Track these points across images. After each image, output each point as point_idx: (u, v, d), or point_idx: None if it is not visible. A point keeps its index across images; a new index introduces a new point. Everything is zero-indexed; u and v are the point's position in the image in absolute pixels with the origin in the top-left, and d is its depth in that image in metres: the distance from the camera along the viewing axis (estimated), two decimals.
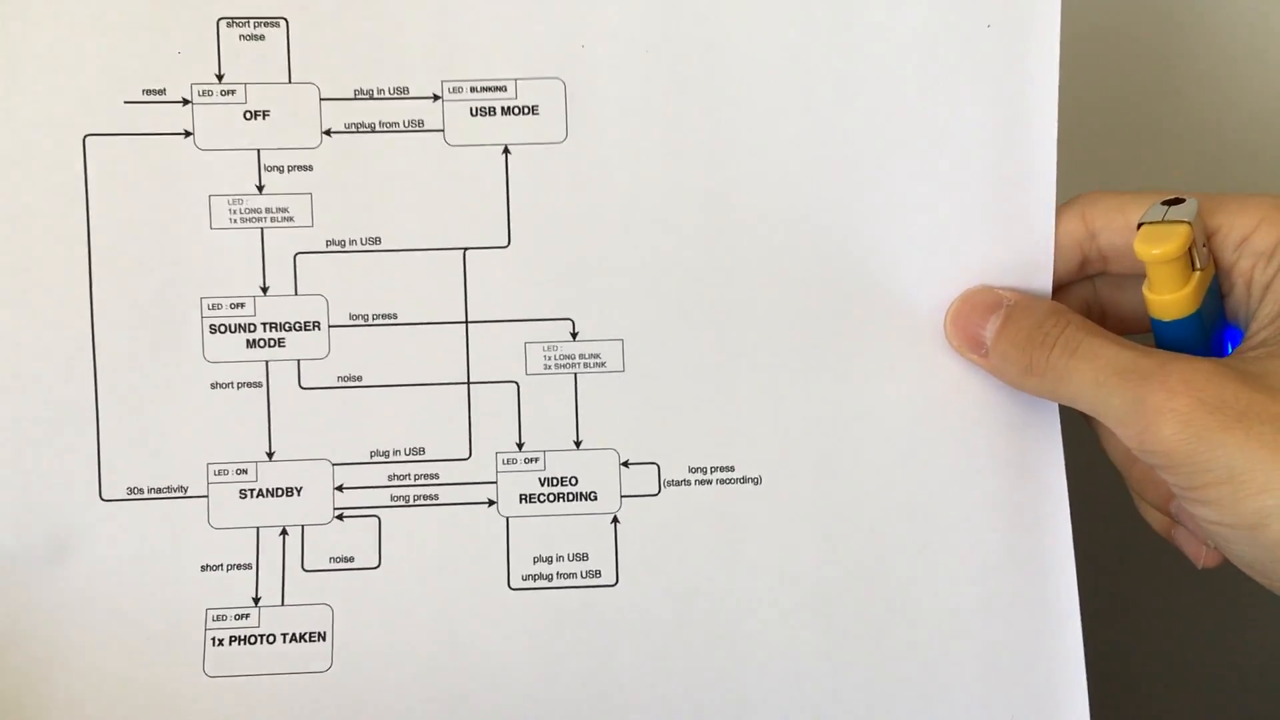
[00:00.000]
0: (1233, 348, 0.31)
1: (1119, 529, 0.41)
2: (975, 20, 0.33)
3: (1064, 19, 0.33)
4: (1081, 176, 0.35)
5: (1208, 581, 0.40)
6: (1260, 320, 0.30)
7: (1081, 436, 0.34)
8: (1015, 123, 0.33)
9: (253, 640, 0.33)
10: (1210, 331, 0.32)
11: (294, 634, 0.33)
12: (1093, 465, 0.35)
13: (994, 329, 0.32)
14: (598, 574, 0.33)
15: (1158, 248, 0.30)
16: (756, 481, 0.34)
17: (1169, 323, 0.31)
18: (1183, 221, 0.30)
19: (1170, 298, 0.30)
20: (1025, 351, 0.31)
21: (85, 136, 0.33)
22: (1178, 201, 0.31)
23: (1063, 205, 0.33)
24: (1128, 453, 0.33)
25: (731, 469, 0.34)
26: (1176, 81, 0.47)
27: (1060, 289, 0.34)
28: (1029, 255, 0.34)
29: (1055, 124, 0.33)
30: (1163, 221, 0.30)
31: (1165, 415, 0.27)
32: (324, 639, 0.33)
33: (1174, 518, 0.33)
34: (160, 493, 0.33)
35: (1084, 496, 0.34)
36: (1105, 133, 0.46)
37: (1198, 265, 0.30)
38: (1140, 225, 0.31)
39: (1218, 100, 0.47)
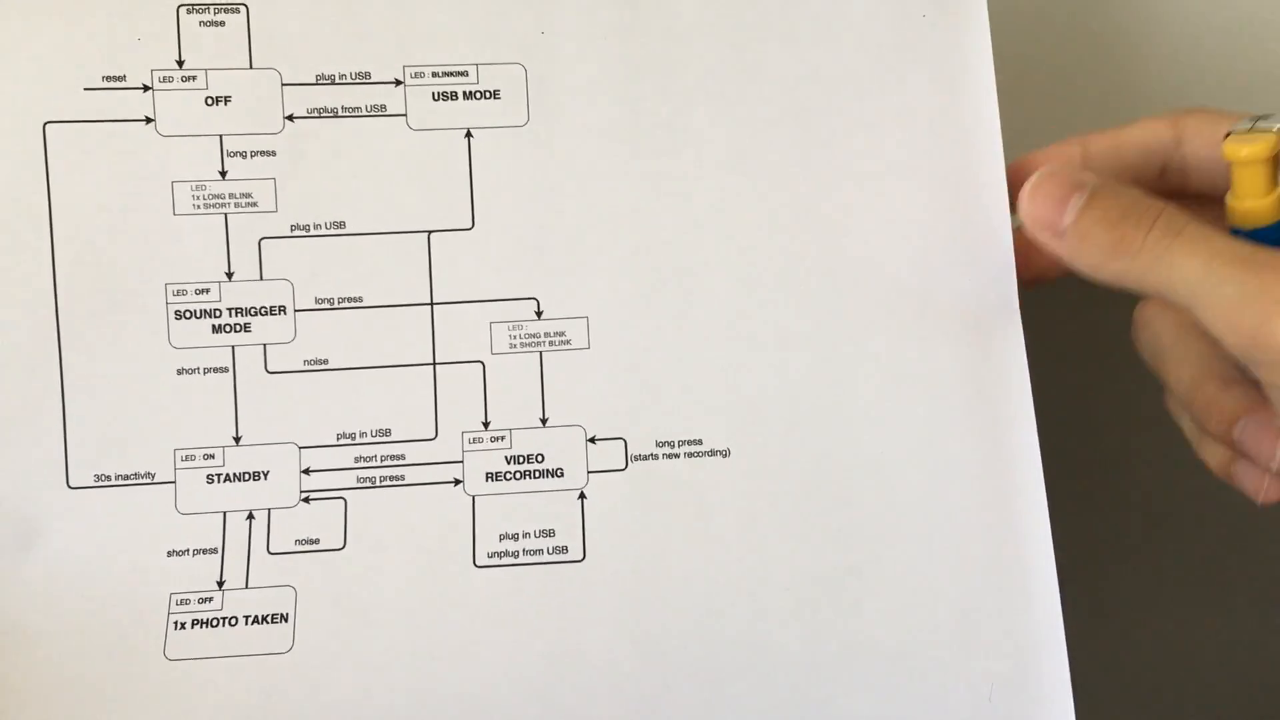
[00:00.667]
0: None
1: (1098, 506, 0.41)
2: (912, 11, 0.35)
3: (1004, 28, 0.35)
4: (1027, 144, 0.36)
5: (1184, 565, 0.41)
6: None
7: (1058, 407, 0.34)
8: (958, 102, 0.35)
9: (214, 623, 0.33)
10: None
11: (256, 616, 0.33)
12: (1070, 438, 0.35)
13: (1078, 204, 0.29)
14: (565, 550, 0.33)
15: (1245, 148, 0.30)
16: (724, 454, 0.34)
17: (1250, 231, 0.30)
18: (1272, 130, 0.30)
19: (1255, 204, 0.30)
20: (1116, 229, 0.28)
21: (45, 124, 0.33)
22: (1266, 117, 0.31)
23: (1157, 115, 0.32)
24: (1194, 377, 0.32)
25: (699, 442, 0.34)
26: (1115, 53, 0.48)
27: None
28: (987, 221, 0.34)
29: (994, 96, 0.34)
30: (1251, 130, 0.30)
31: None
32: (286, 620, 0.33)
33: (1238, 446, 0.32)
34: (127, 479, 0.33)
35: (1062, 468, 0.34)
36: (1050, 110, 0.47)
37: None
38: (1228, 135, 0.31)
39: (1156, 69, 0.48)
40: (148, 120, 0.33)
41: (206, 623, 0.33)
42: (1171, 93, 0.48)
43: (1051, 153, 0.34)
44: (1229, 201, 0.31)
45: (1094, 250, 0.29)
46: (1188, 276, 0.27)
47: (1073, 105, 0.48)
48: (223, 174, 0.34)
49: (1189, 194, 0.33)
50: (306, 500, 0.33)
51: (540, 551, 0.33)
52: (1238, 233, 0.31)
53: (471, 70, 0.34)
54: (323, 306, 0.34)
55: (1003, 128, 0.35)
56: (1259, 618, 0.39)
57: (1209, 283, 0.27)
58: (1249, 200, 0.30)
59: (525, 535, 0.33)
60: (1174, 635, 0.39)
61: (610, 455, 0.34)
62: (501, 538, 0.33)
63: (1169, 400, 0.34)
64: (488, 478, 0.33)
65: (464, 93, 0.34)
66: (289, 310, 0.34)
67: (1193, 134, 0.32)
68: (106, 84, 0.33)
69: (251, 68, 0.34)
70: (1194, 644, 0.39)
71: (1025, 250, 0.34)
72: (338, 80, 0.34)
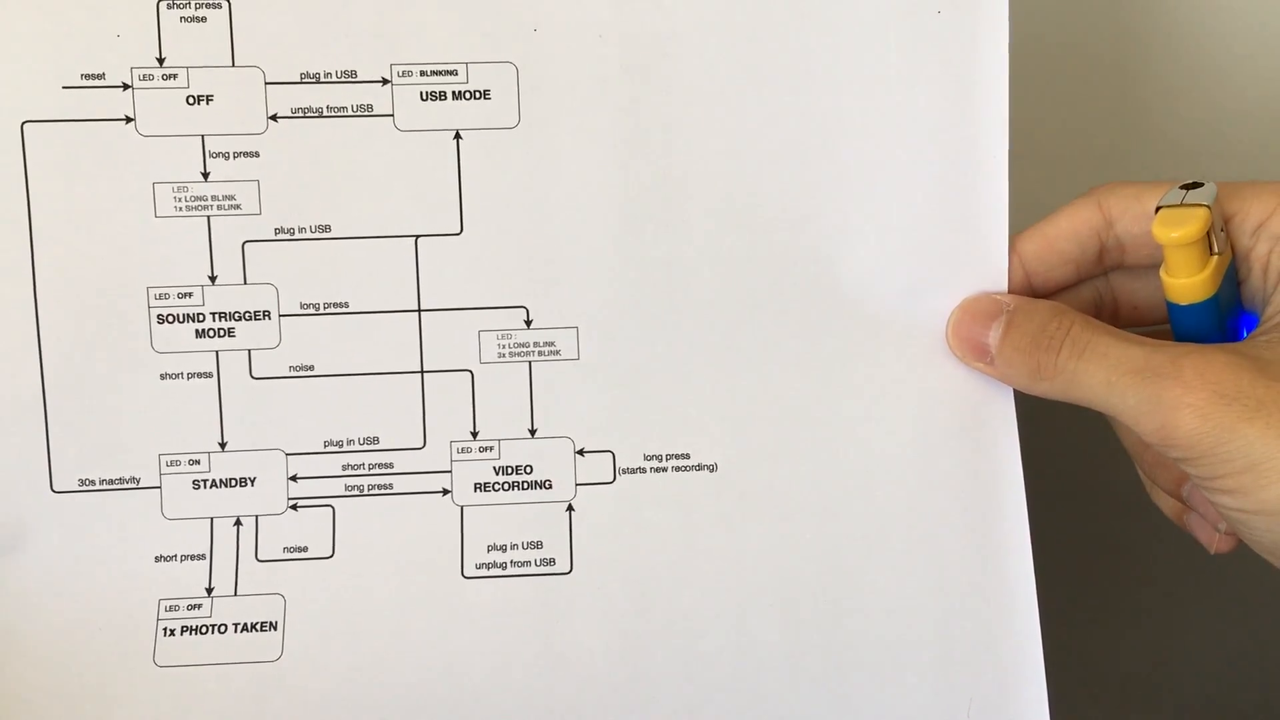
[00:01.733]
0: (1248, 333, 0.31)
1: (1081, 521, 0.41)
2: (926, 6, 0.33)
3: (1018, 8, 0.33)
4: (1036, 162, 0.35)
5: (1166, 572, 0.41)
6: (1275, 304, 0.30)
7: (1040, 429, 0.35)
8: (967, 107, 0.33)
9: (204, 630, 0.33)
10: (1226, 317, 0.32)
11: (245, 624, 0.33)
12: (1052, 456, 0.36)
13: (997, 336, 0.32)
14: (552, 562, 0.33)
15: (1176, 230, 0.30)
16: (712, 469, 0.34)
17: (1186, 307, 0.31)
18: (1201, 205, 0.30)
19: (1188, 281, 0.30)
20: (1031, 356, 0.31)
21: (23, 123, 0.32)
22: (1195, 186, 0.31)
23: (1079, 197, 0.33)
24: (1139, 443, 0.34)
25: (687, 456, 0.34)
26: (1133, 71, 0.47)
27: (1076, 284, 0.34)
28: (984, 239, 0.34)
29: (1006, 106, 0.33)
30: (1181, 205, 0.30)
31: (1183, 410, 0.28)
32: (275, 628, 0.33)
33: (1186, 503, 0.34)
34: (112, 484, 0.33)
35: (1044, 487, 0.35)
36: (1061, 123, 0.47)
37: (1215, 250, 0.30)
38: (1158, 209, 0.31)
39: (1174, 89, 0.47)
40: (128, 120, 0.32)
41: (196, 629, 0.33)
42: (1185, 94, 0.47)
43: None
44: (1164, 278, 0.31)
45: (1019, 376, 0.32)
46: (1094, 392, 0.30)
47: (1082, 110, 0.47)
48: (205, 175, 0.33)
49: (1130, 267, 0.34)
50: (294, 507, 0.33)
51: (528, 563, 0.33)
52: (1174, 309, 0.31)
53: (461, 69, 0.33)
54: (308, 312, 0.33)
55: (1011, 131, 0.34)
56: (1242, 628, 0.40)
57: (1113, 396, 0.29)
58: (1183, 278, 0.31)
59: (513, 546, 0.33)
60: (1154, 647, 0.40)
61: (598, 468, 0.34)
62: (489, 549, 0.33)
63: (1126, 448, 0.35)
64: (476, 488, 0.34)
65: (453, 92, 0.33)
66: (273, 315, 0.33)
67: (1119, 213, 0.33)
68: (85, 82, 0.32)
69: (234, 65, 0.33)
70: (1174, 655, 0.39)
71: None
72: (323, 79, 0.33)
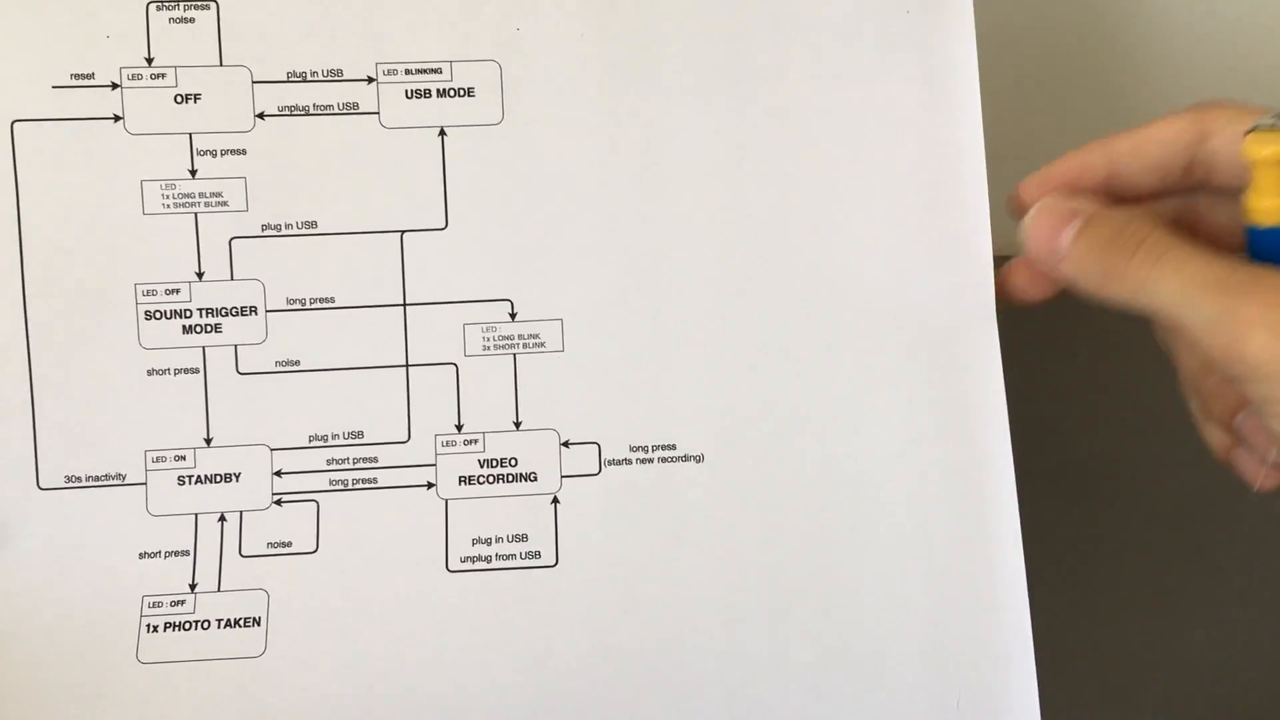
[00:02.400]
0: None
1: (1072, 515, 0.41)
2: (896, 6, 0.34)
3: (994, 30, 0.34)
4: (1016, 156, 0.36)
5: (1159, 567, 0.41)
6: None
7: (1030, 422, 0.34)
8: (941, 99, 0.34)
9: (187, 626, 0.33)
10: None
11: (228, 620, 0.33)
12: (1043, 449, 0.35)
13: (1072, 234, 0.31)
14: (537, 555, 0.33)
15: (1268, 148, 0.29)
16: (699, 459, 0.34)
17: (1267, 230, 0.30)
18: None
19: (1273, 202, 0.30)
20: (1106, 256, 0.30)
21: (13, 122, 0.33)
22: None
23: (1181, 110, 0.33)
24: (1200, 367, 0.33)
25: (673, 447, 0.34)
26: (1101, 54, 0.47)
27: (1160, 196, 0.33)
28: (966, 227, 0.34)
29: (978, 98, 0.34)
30: (1272, 128, 0.30)
31: (1255, 328, 0.27)
32: (258, 624, 0.33)
33: (1238, 434, 0.33)
34: (98, 481, 0.33)
35: (1034, 479, 0.34)
36: (1034, 109, 0.47)
37: None
38: (1249, 131, 0.30)
39: (1142, 74, 0.47)
40: (116, 118, 0.33)
41: (179, 626, 0.33)
42: (1163, 97, 0.47)
43: (1071, 160, 0.34)
44: (1248, 199, 0.30)
45: (1088, 276, 0.31)
46: (1167, 301, 0.29)
47: (1060, 106, 0.47)
48: (192, 173, 0.33)
49: (1214, 189, 0.33)
50: (279, 503, 0.33)
51: (513, 556, 0.33)
52: (1256, 233, 0.31)
53: (445, 67, 0.34)
54: (294, 307, 0.33)
55: (988, 129, 0.34)
56: (1235, 624, 0.39)
57: (1186, 306, 0.28)
58: (1268, 199, 0.30)
59: (498, 540, 0.33)
60: (1145, 642, 0.39)
61: (584, 460, 0.33)
62: (474, 542, 0.33)
63: (1180, 382, 0.35)
64: (461, 481, 0.33)
65: (438, 90, 0.34)
66: (260, 311, 0.33)
67: (1216, 130, 0.32)
68: (75, 82, 0.33)
69: (221, 65, 0.33)
70: (1165, 650, 0.39)
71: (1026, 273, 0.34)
72: (309, 78, 0.33)
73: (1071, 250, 0.31)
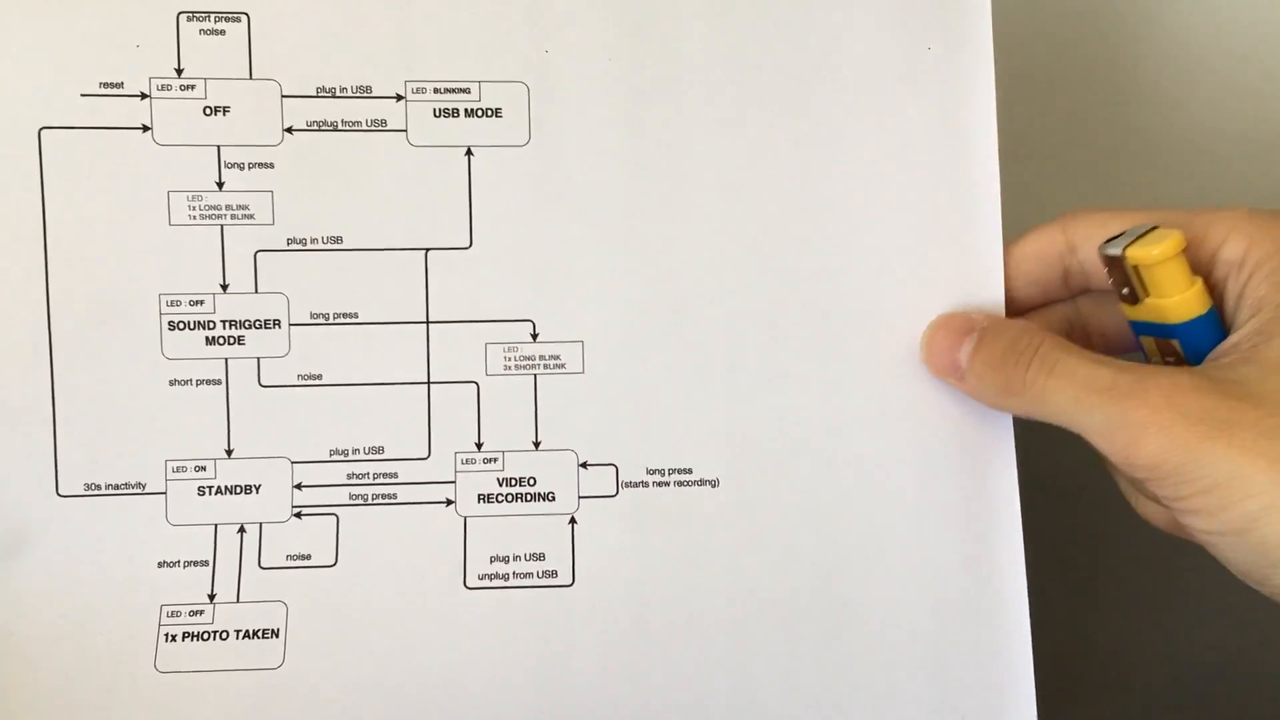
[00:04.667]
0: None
1: (1072, 537, 0.42)
2: (917, 44, 0.35)
3: (1007, 38, 0.34)
4: (1029, 191, 0.36)
5: (1157, 586, 0.42)
6: (1238, 329, 0.31)
7: (1035, 447, 0.35)
8: (959, 135, 0.35)
9: (205, 636, 0.33)
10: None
11: (247, 631, 0.33)
12: (1046, 475, 0.36)
13: (969, 351, 0.33)
14: (554, 574, 0.34)
15: (1156, 247, 0.30)
16: (714, 484, 0.34)
17: (1186, 325, 0.31)
18: (1157, 229, 0.31)
19: (1180, 298, 0.31)
20: (1001, 371, 0.32)
21: (41, 129, 0.33)
22: (1139, 231, 0.31)
23: (1046, 223, 0.34)
24: None
25: (689, 471, 0.34)
26: (1120, 97, 0.48)
27: (1043, 307, 0.35)
28: (980, 260, 0.34)
29: (995, 134, 0.35)
30: (1140, 238, 0.31)
31: (1149, 430, 0.28)
32: (277, 636, 0.33)
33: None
34: (118, 489, 0.33)
35: (1037, 505, 0.35)
36: (1049, 151, 0.47)
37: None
38: (1110, 241, 0.31)
39: (1160, 114, 0.48)
40: (145, 128, 0.33)
41: (197, 636, 0.33)
42: (1172, 113, 0.48)
43: None
44: (1156, 303, 0.31)
45: (989, 391, 0.32)
46: (1062, 409, 0.30)
47: (1071, 133, 0.48)
48: (219, 185, 0.33)
49: (1095, 290, 0.35)
50: (298, 515, 0.34)
51: (530, 575, 0.34)
52: (1181, 329, 0.31)
53: (474, 88, 0.34)
54: (318, 321, 0.34)
55: (1002, 156, 0.35)
56: (1238, 636, 0.40)
57: (1079, 413, 0.30)
58: (1174, 295, 0.31)
59: (516, 558, 0.34)
60: (1146, 659, 0.40)
61: (601, 481, 0.34)
62: (492, 559, 0.34)
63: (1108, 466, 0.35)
64: (480, 499, 0.34)
65: (465, 110, 0.34)
66: (283, 324, 0.34)
67: (1083, 239, 0.33)
68: (104, 90, 0.33)
69: (251, 78, 0.33)
70: (1164, 669, 0.40)
71: None
72: (338, 93, 0.34)
73: (970, 367, 0.33)
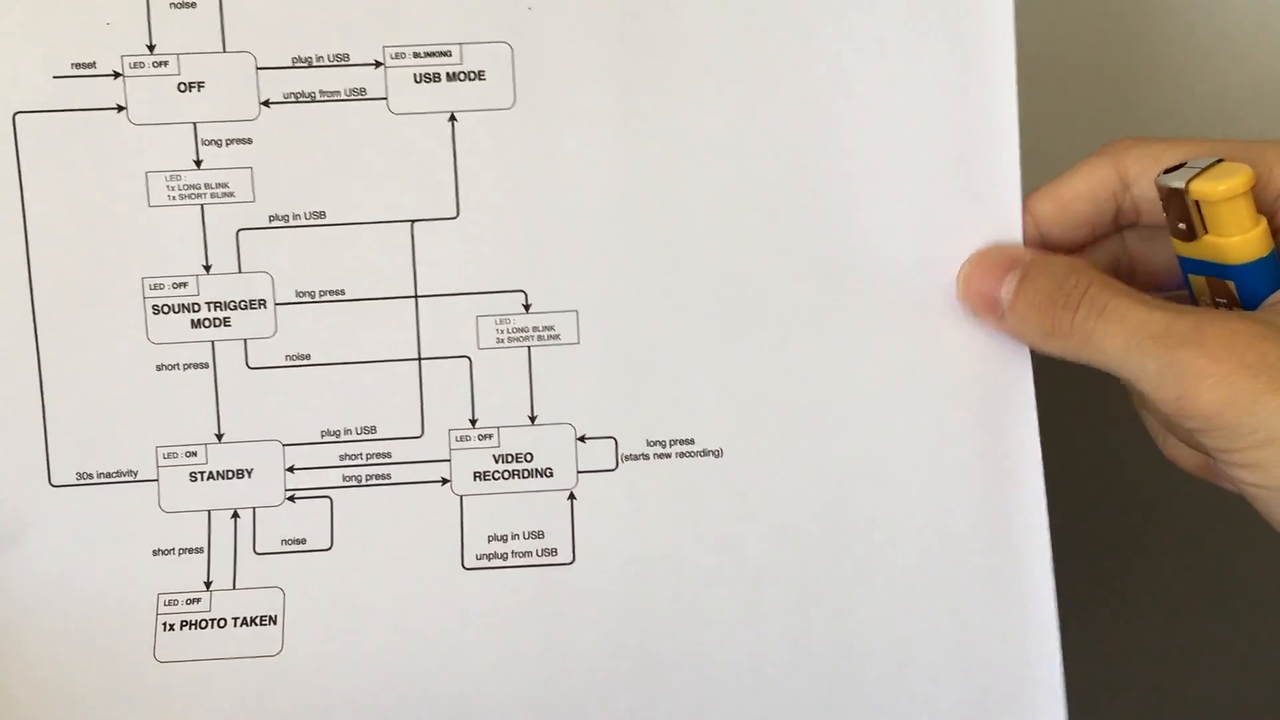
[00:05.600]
0: None
1: (1103, 512, 0.40)
2: None
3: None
4: (1045, 145, 0.34)
5: (1187, 570, 0.40)
6: None
7: (1059, 412, 0.33)
8: (974, 74, 0.32)
9: (203, 625, 0.32)
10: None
11: (245, 618, 0.32)
12: (1070, 446, 0.34)
13: (1010, 289, 0.31)
14: (554, 552, 0.33)
15: (1223, 183, 0.28)
16: (717, 454, 0.33)
17: (1246, 266, 0.29)
18: (1237, 164, 0.29)
19: (1243, 238, 0.29)
20: (1047, 313, 0.30)
21: (15, 114, 0.32)
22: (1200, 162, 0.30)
23: (1092, 155, 0.32)
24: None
25: (691, 442, 0.33)
26: (1146, 55, 0.46)
27: (1091, 243, 0.33)
28: (997, 210, 0.32)
29: (1014, 72, 0.32)
30: (1208, 170, 0.29)
31: (1206, 380, 0.27)
32: (275, 622, 0.32)
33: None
34: (110, 477, 0.33)
35: (1064, 475, 0.33)
36: (1070, 92, 0.45)
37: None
38: (1169, 171, 0.29)
39: (1184, 79, 0.46)
40: (119, 108, 0.32)
41: (195, 624, 0.32)
42: (1198, 85, 0.46)
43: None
44: (1214, 240, 0.29)
45: (1032, 332, 0.31)
46: (1114, 356, 0.29)
47: (1096, 98, 0.46)
48: (198, 163, 0.32)
49: (1146, 226, 0.33)
50: (292, 499, 0.33)
51: (529, 553, 0.33)
52: (1236, 270, 0.30)
53: (455, 50, 0.33)
54: (304, 300, 0.33)
55: (1023, 118, 0.33)
56: (1260, 624, 0.39)
57: (1131, 360, 0.28)
58: (1237, 235, 0.29)
59: (514, 536, 0.33)
60: (1173, 642, 0.38)
61: (600, 455, 0.33)
62: (490, 539, 0.33)
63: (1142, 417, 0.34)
64: (476, 477, 0.33)
65: (447, 74, 0.33)
66: (269, 304, 0.33)
67: (1137, 174, 0.31)
68: (76, 71, 0.32)
69: (225, 51, 0.32)
70: (1193, 651, 0.38)
71: None
72: (315, 63, 0.32)
73: (1012, 306, 0.31)
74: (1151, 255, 0.33)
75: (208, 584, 0.33)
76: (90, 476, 0.33)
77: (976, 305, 0.32)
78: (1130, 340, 0.28)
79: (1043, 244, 0.32)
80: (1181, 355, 0.27)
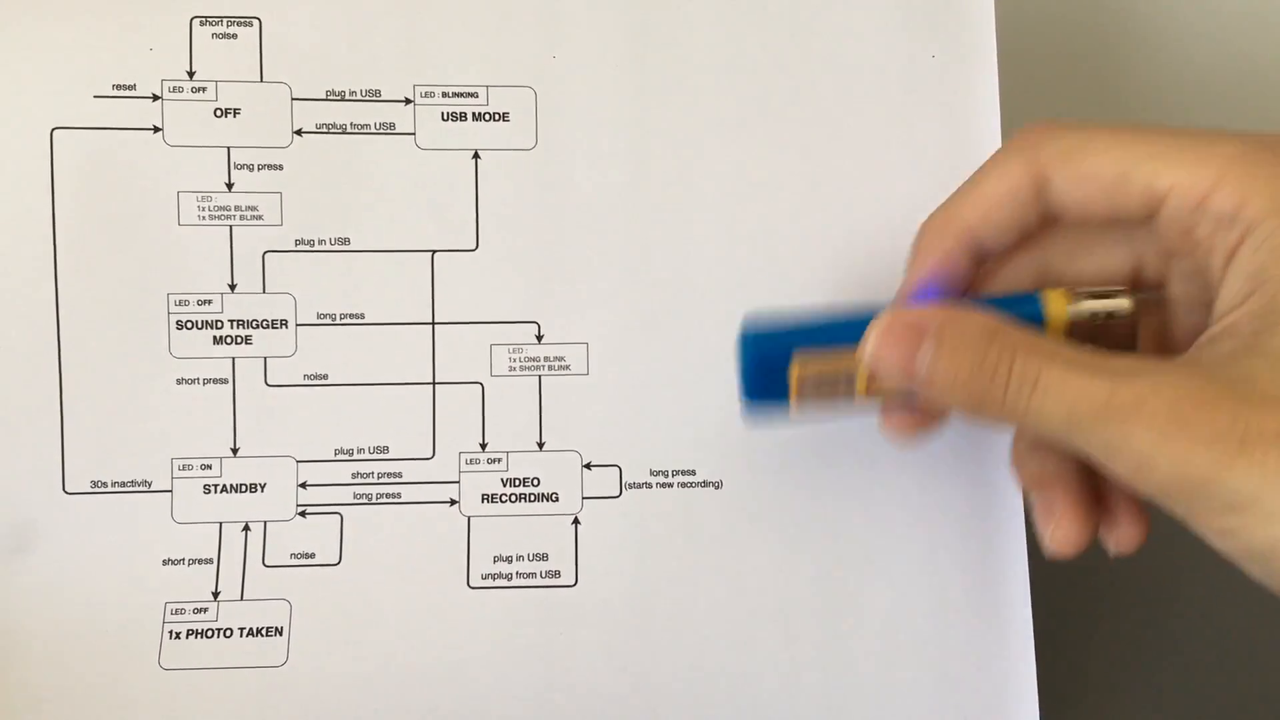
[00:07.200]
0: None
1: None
2: (922, 52, 0.35)
3: (1012, 43, 0.35)
4: None
5: (1164, 590, 0.42)
6: (1225, 299, 0.27)
7: None
8: (962, 140, 0.35)
9: (209, 634, 0.33)
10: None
11: (250, 629, 0.33)
12: None
13: (928, 356, 0.27)
14: (557, 574, 0.34)
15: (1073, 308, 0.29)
16: (717, 486, 0.34)
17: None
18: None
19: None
20: (972, 392, 0.27)
21: (53, 130, 0.33)
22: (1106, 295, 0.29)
23: (1001, 153, 0.29)
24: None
25: (693, 473, 0.34)
26: (1121, 101, 0.48)
27: (1008, 260, 0.31)
28: None
29: (999, 138, 0.35)
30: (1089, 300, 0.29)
31: (1159, 456, 0.25)
32: (280, 634, 0.33)
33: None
34: (124, 486, 0.33)
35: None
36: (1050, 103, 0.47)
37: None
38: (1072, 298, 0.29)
39: (1163, 118, 0.48)
40: (156, 129, 0.33)
41: (201, 633, 0.33)
42: (1173, 102, 0.48)
43: (928, 257, 0.31)
44: None
45: (959, 408, 0.28)
46: (1052, 432, 0.26)
47: (1077, 83, 0.48)
48: (229, 186, 0.34)
49: (1069, 230, 0.30)
50: (303, 514, 0.34)
51: (533, 575, 0.34)
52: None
53: (481, 92, 0.34)
54: (324, 322, 0.34)
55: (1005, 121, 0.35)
56: (1246, 630, 0.40)
57: (1076, 437, 0.26)
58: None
59: (519, 558, 0.34)
60: (1150, 666, 0.40)
61: (605, 482, 0.34)
62: (495, 559, 0.34)
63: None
64: (483, 499, 0.34)
65: (473, 114, 0.34)
66: (290, 324, 0.34)
67: (1052, 172, 0.29)
68: (116, 92, 0.33)
69: (262, 81, 0.34)
70: (1171, 675, 0.40)
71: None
72: (347, 97, 0.34)
73: (931, 382, 0.27)
74: (1081, 263, 0.31)
75: (216, 594, 0.33)
76: (105, 485, 0.33)
77: (896, 378, 0.28)
78: (1070, 418, 0.26)
79: (979, 253, 0.30)
80: (1129, 433, 0.25)
